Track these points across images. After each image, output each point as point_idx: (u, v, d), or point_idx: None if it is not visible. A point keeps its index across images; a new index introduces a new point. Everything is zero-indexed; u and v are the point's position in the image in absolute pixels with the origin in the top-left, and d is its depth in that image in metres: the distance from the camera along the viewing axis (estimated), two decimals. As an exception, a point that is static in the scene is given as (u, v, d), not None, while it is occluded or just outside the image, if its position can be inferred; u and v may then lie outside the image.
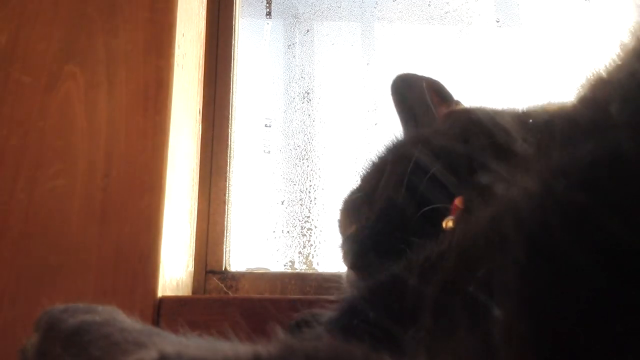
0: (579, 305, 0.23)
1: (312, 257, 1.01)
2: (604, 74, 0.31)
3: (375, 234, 0.57)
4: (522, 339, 0.24)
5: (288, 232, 1.03)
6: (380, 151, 0.67)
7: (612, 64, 0.31)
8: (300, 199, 1.05)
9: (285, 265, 1.01)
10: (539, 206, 0.25)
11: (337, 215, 0.71)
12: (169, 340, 0.36)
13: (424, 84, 0.71)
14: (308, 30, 1.18)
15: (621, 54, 0.31)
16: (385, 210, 0.56)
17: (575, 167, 0.25)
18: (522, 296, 0.25)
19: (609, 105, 0.25)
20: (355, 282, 0.58)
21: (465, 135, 0.51)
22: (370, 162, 0.67)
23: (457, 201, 0.44)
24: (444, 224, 0.42)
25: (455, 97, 0.72)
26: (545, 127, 0.32)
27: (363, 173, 0.67)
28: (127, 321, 0.40)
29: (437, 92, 0.70)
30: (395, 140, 0.67)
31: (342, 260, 0.66)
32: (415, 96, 0.71)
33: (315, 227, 1.03)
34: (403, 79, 0.73)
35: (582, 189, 0.24)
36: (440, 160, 0.50)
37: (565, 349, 0.23)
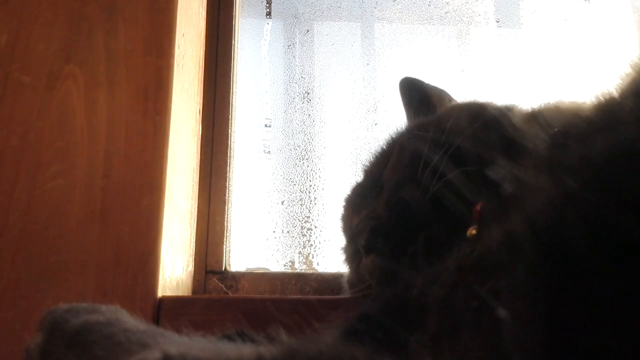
0: (594, 306, 0.23)
1: (312, 257, 1.01)
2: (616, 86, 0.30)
3: (389, 216, 0.55)
4: (534, 342, 0.23)
5: (288, 232, 1.03)
6: (382, 144, 0.68)
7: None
8: (300, 199, 1.05)
9: (285, 265, 1.01)
10: (551, 205, 0.25)
11: (340, 211, 0.72)
12: (173, 341, 0.36)
13: (429, 90, 0.73)
14: (308, 30, 1.18)
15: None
16: (397, 191, 0.56)
17: (587, 165, 0.25)
18: (534, 298, 0.24)
19: (622, 102, 0.25)
20: (363, 283, 0.58)
21: (477, 130, 0.51)
22: (373, 156, 0.68)
23: (478, 206, 0.43)
24: (467, 233, 0.41)
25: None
26: (558, 124, 0.32)
27: (366, 166, 0.69)
28: (131, 321, 0.39)
29: (441, 99, 0.72)
30: (397, 132, 0.68)
31: (348, 252, 0.65)
32: (420, 99, 0.73)
33: (315, 227, 1.03)
34: (409, 80, 0.76)
35: (595, 187, 0.24)
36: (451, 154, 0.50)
37: (580, 352, 0.22)
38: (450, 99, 0.74)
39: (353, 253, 0.64)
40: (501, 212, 0.31)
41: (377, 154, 0.68)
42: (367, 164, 0.69)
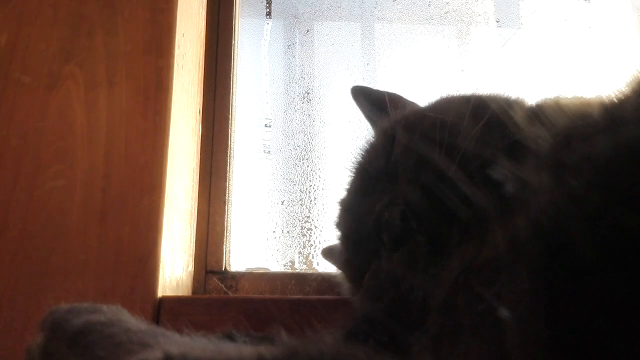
0: (597, 307, 0.23)
1: (312, 257, 1.01)
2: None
3: (422, 197, 0.46)
4: (536, 343, 0.23)
5: (288, 232, 1.03)
6: (368, 141, 0.63)
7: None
8: (300, 199, 1.05)
9: (285, 265, 1.01)
10: (554, 205, 0.25)
11: (335, 218, 0.63)
12: (174, 341, 0.36)
13: (379, 94, 0.72)
14: (308, 30, 1.18)
15: None
16: (423, 170, 0.48)
17: (591, 165, 0.25)
18: (536, 300, 0.24)
19: (627, 102, 0.25)
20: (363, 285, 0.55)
21: (482, 128, 0.48)
22: (361, 153, 0.62)
23: None
24: None
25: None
26: (559, 121, 0.32)
27: (357, 164, 0.61)
28: (132, 321, 0.39)
29: (393, 100, 0.70)
30: (375, 133, 0.65)
31: (355, 262, 0.56)
32: (374, 101, 0.71)
33: (315, 227, 1.03)
34: (360, 88, 0.74)
35: (598, 188, 0.24)
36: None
37: (582, 354, 0.22)
38: (405, 101, 0.71)
39: (366, 260, 0.52)
40: (504, 212, 0.31)
41: (366, 150, 0.60)
42: (358, 161, 0.60)
